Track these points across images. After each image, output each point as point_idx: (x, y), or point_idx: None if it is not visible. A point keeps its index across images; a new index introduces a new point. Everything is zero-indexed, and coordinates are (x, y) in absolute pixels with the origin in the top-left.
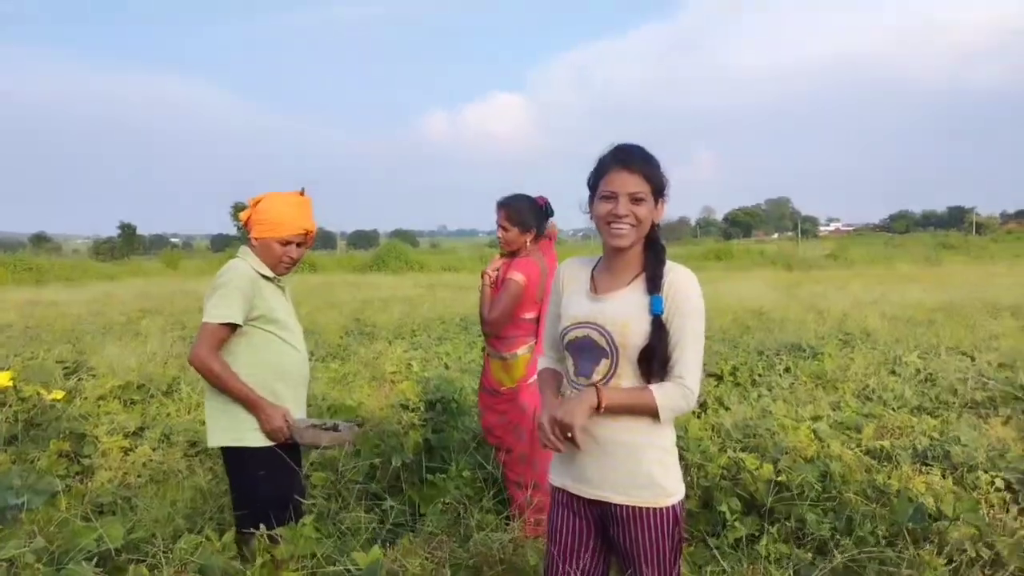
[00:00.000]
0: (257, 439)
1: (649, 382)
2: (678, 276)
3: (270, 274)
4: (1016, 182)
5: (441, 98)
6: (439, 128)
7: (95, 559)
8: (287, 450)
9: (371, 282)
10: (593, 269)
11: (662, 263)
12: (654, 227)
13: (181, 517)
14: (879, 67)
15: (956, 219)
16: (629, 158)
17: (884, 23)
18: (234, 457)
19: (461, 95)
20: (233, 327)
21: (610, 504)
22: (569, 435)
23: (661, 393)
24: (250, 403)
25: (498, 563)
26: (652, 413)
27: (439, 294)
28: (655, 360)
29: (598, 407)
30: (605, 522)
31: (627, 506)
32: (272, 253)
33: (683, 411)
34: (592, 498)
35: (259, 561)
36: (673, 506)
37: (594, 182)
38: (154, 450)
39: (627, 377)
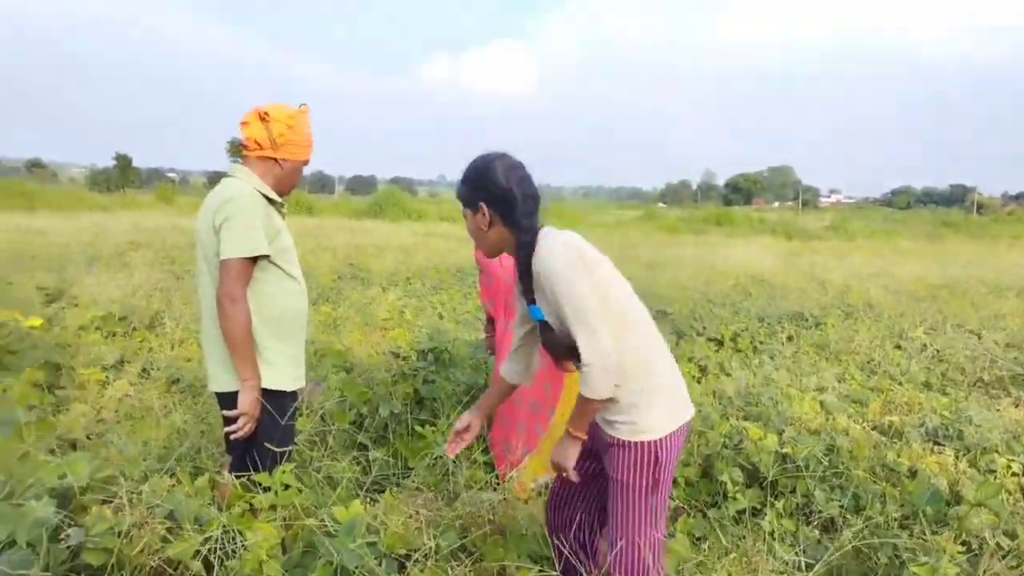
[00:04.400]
0: (272, 382)
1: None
2: (538, 261)
3: (277, 198)
4: (1020, 163)
5: (445, 42)
6: (441, 75)
7: (58, 496)
8: (292, 399)
9: (367, 228)
10: None
11: (525, 274)
12: (517, 229)
13: (154, 456)
14: (889, 39)
15: (958, 197)
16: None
17: None
18: (235, 402)
19: (465, 40)
20: (257, 260)
21: (600, 432)
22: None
23: (584, 390)
24: (247, 372)
25: (486, 523)
26: (600, 402)
27: (435, 243)
28: (557, 354)
29: (582, 441)
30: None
31: (610, 435)
32: (294, 177)
33: (604, 378)
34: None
35: (235, 509)
36: (647, 442)
37: None
38: (132, 385)
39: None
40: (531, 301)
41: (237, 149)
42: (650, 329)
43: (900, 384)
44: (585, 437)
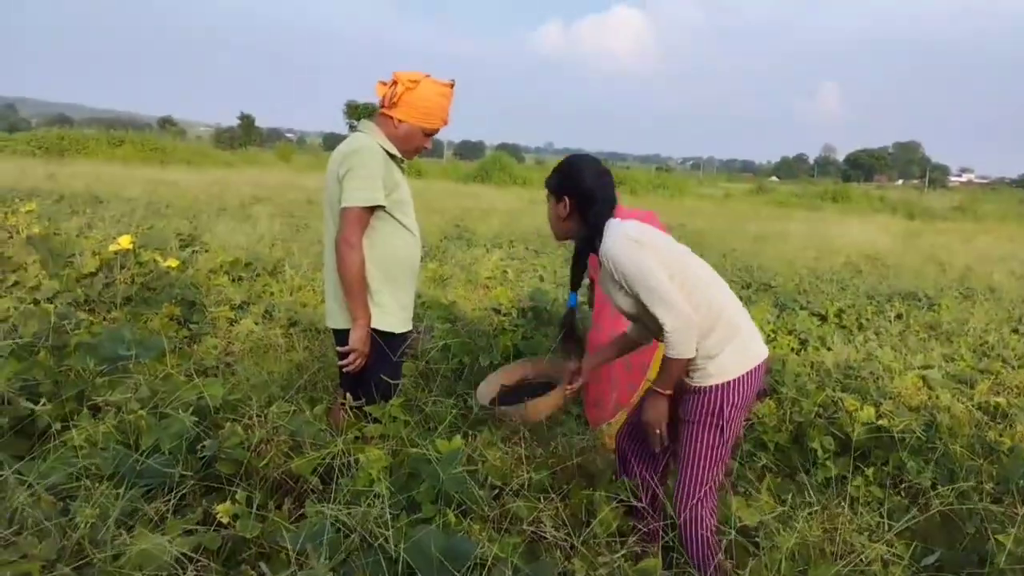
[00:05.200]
0: (376, 324)
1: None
2: (605, 252)
3: (397, 153)
4: None
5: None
6: (554, 40)
7: (195, 413)
8: (400, 342)
9: (474, 192)
10: None
11: (581, 267)
12: (585, 226)
13: (277, 386)
14: None
15: None
16: None
17: None
18: (347, 339)
19: (580, 5)
20: (374, 209)
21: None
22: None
23: (667, 351)
24: (359, 312)
25: (576, 466)
26: (684, 360)
27: (540, 209)
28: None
29: (669, 397)
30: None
31: (683, 383)
32: (413, 140)
33: (685, 339)
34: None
35: (348, 435)
36: (716, 386)
37: None
38: (256, 324)
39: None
40: (573, 288)
41: (353, 111)
42: (714, 281)
43: (1013, 367)
44: (671, 393)
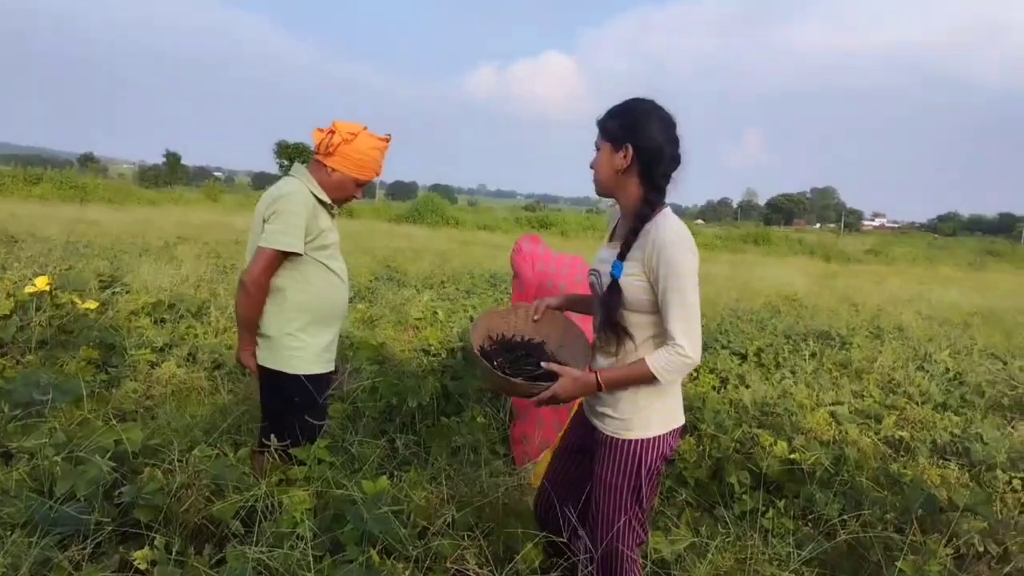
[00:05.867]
0: (299, 367)
1: (616, 334)
2: (660, 236)
3: (327, 199)
4: None
5: (492, 53)
6: (487, 83)
7: (112, 458)
8: (323, 382)
9: (406, 232)
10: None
11: (637, 229)
12: (649, 186)
13: (199, 430)
14: (940, 63)
15: (1006, 226)
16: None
17: (949, 17)
18: (273, 379)
19: (512, 51)
20: (289, 254)
21: (595, 429)
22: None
23: (654, 360)
24: (247, 333)
25: (501, 505)
26: (650, 380)
27: (472, 251)
28: (601, 318)
29: (598, 388)
30: (593, 447)
31: (600, 431)
32: (344, 189)
33: (682, 370)
34: (588, 422)
35: (271, 478)
36: (635, 440)
37: None
38: (179, 367)
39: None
40: (621, 257)
41: (284, 151)
42: None
43: (917, 404)
44: (602, 391)
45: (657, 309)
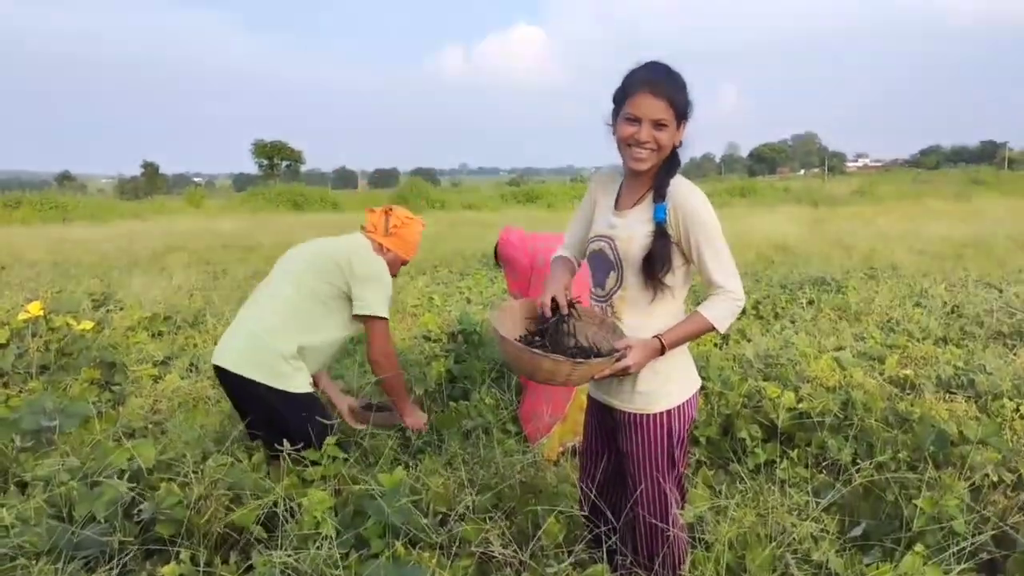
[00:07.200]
0: (304, 386)
1: (655, 291)
2: (679, 190)
3: None
4: None
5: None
6: (457, 63)
7: (128, 477)
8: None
9: None
10: (621, 184)
11: (670, 176)
12: (672, 152)
13: (210, 440)
14: None
15: (988, 154)
16: (657, 82)
17: None
18: (281, 398)
19: (479, 28)
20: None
21: (613, 410)
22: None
23: (710, 310)
24: (404, 404)
25: (518, 483)
26: (711, 330)
27: (460, 231)
28: (656, 264)
29: (662, 351)
30: (615, 428)
31: (622, 411)
32: (394, 267)
33: (736, 313)
34: (604, 403)
35: (286, 480)
36: (662, 412)
37: (620, 100)
38: (182, 379)
39: (633, 287)
40: (659, 199)
41: (262, 149)
42: None
43: (918, 340)
44: (665, 352)
45: (683, 263)
